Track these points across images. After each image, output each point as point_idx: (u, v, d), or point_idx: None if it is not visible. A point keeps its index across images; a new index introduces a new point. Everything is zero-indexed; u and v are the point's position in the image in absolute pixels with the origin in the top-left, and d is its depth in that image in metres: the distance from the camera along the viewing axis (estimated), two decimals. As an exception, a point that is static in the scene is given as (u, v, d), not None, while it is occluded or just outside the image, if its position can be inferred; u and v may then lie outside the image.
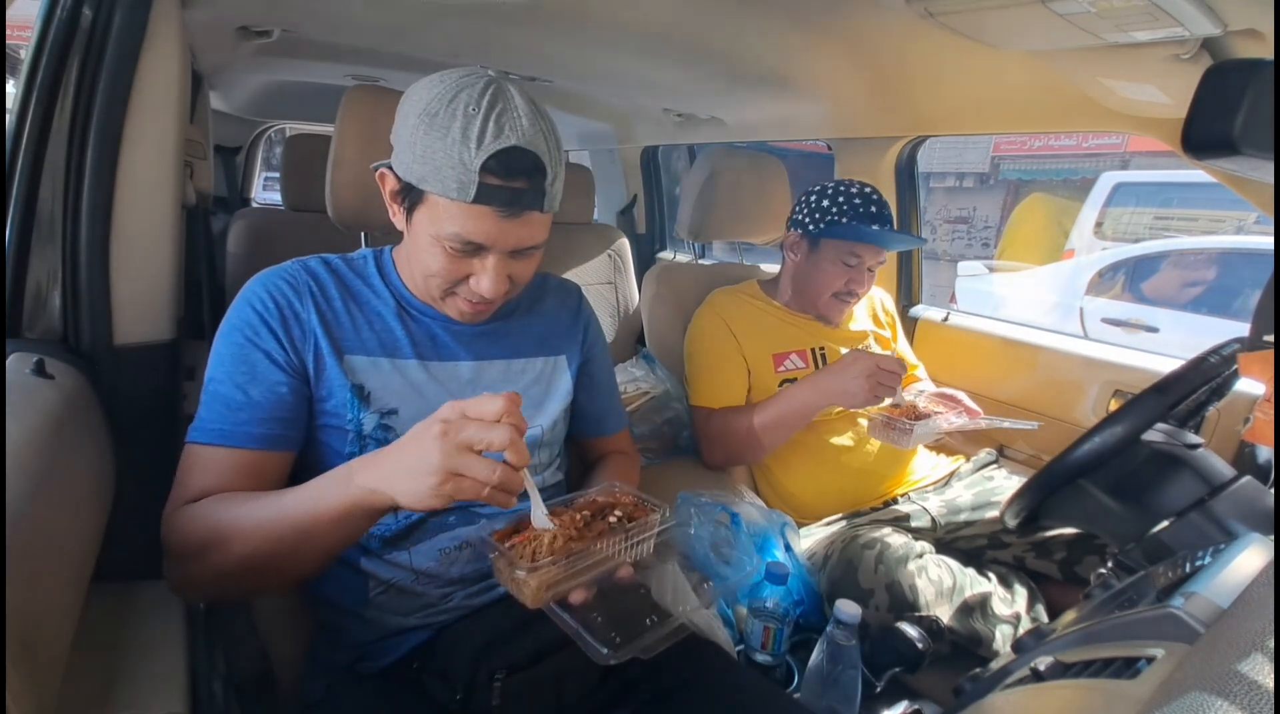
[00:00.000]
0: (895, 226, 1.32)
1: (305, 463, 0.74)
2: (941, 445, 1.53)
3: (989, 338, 1.63)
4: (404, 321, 0.77)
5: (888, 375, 1.13)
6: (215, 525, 0.62)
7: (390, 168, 0.70)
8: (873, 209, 1.27)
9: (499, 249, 0.69)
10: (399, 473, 0.56)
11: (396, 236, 0.78)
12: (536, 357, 0.86)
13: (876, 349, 1.45)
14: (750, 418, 1.26)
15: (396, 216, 0.73)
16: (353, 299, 0.76)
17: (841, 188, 1.30)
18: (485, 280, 0.70)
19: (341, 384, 0.72)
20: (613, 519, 0.69)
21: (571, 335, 0.91)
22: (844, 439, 1.33)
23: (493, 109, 0.63)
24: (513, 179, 0.64)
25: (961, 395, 1.31)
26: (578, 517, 0.68)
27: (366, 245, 0.97)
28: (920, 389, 1.45)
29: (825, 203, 1.30)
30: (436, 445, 0.53)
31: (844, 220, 1.28)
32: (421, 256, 0.71)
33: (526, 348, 0.85)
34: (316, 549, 0.62)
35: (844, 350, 1.39)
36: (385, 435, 0.73)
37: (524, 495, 0.62)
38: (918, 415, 1.21)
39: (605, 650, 0.59)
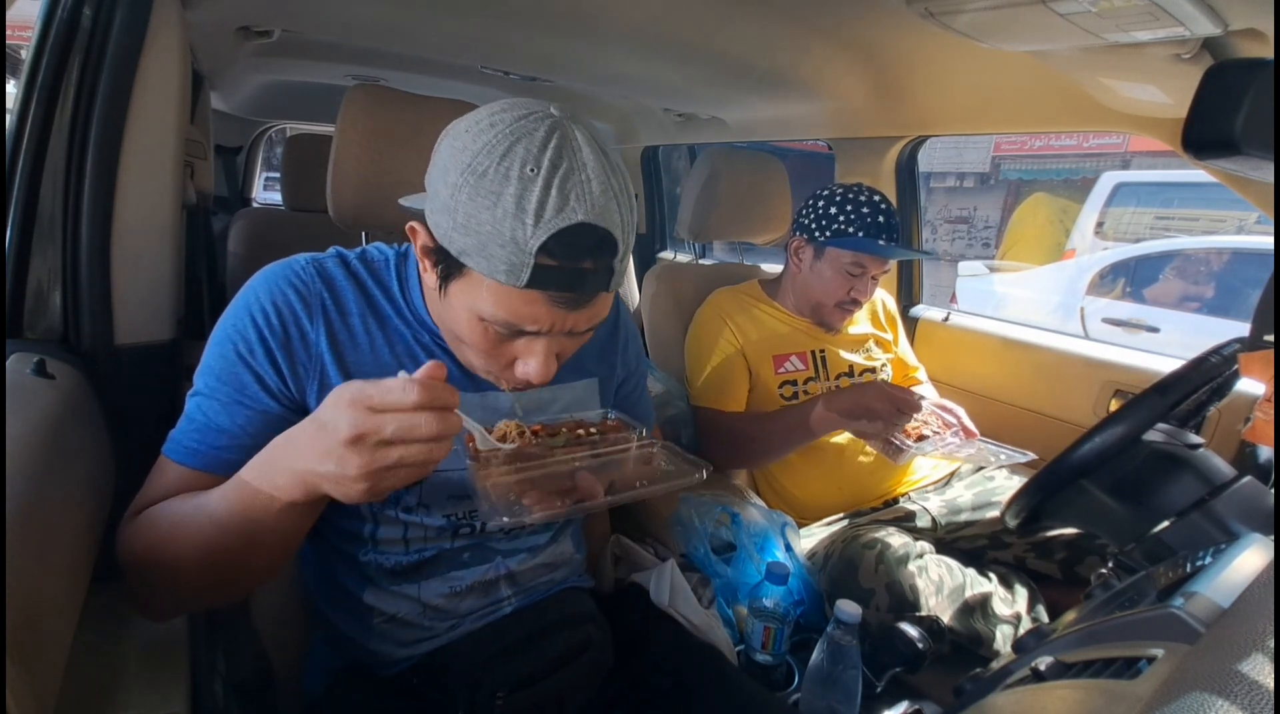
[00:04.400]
0: (900, 233, 1.30)
1: None
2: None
3: (990, 338, 1.63)
4: (425, 346, 0.69)
5: (907, 402, 1.11)
6: (154, 539, 0.57)
7: (423, 221, 0.59)
8: (880, 220, 1.26)
9: (553, 334, 0.59)
10: (321, 478, 0.49)
11: (396, 239, 0.76)
12: (568, 382, 0.78)
13: (877, 352, 1.45)
14: (756, 427, 1.25)
15: (428, 272, 0.62)
16: (372, 313, 0.68)
17: (850, 195, 1.29)
18: (533, 365, 0.60)
19: None
20: (581, 431, 0.67)
21: (606, 356, 0.83)
22: (844, 439, 1.33)
23: (555, 170, 0.51)
24: (577, 261, 0.53)
25: (960, 412, 1.27)
26: (538, 427, 0.67)
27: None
28: (921, 396, 1.45)
29: (833, 210, 1.29)
30: (353, 457, 0.46)
31: (851, 231, 1.26)
32: (460, 332, 0.61)
33: (560, 373, 0.78)
34: (259, 555, 0.56)
35: (843, 353, 1.39)
36: None
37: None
38: (918, 436, 1.19)
39: (505, 518, 0.54)
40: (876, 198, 1.28)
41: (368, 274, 0.69)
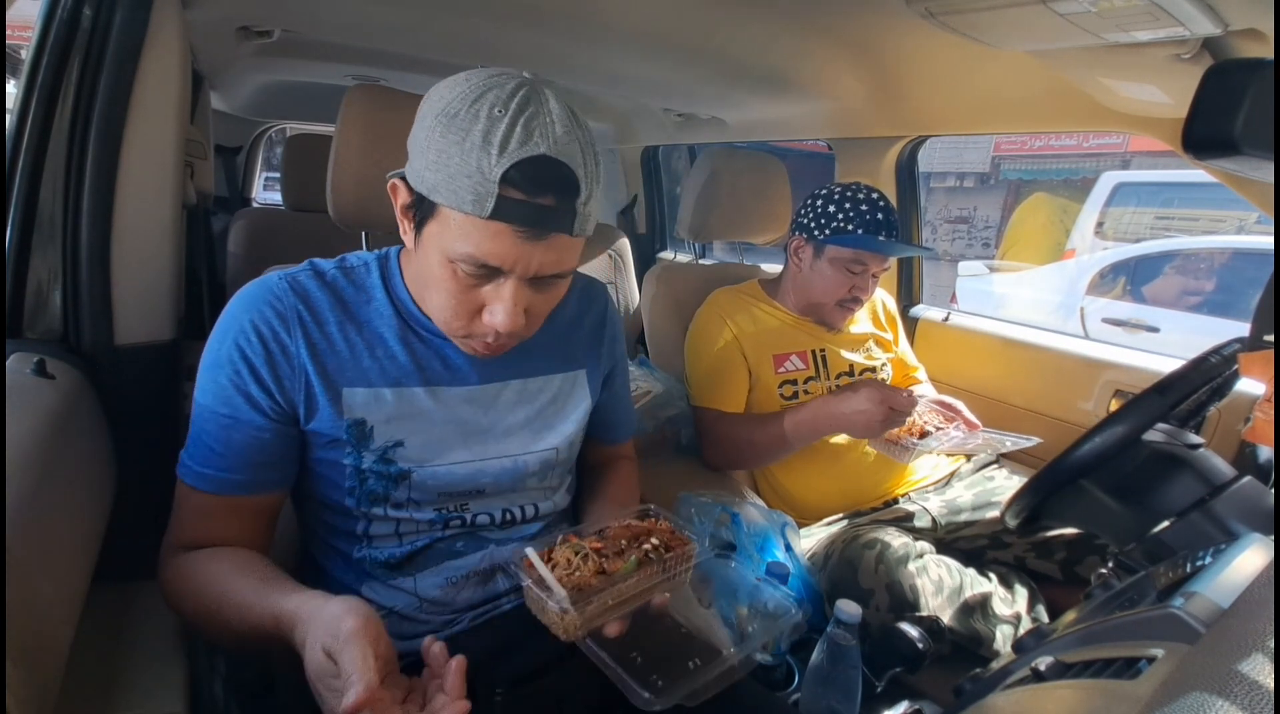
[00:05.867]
0: (900, 231, 1.31)
1: (306, 492, 0.72)
2: (942, 445, 1.53)
3: (990, 338, 1.63)
4: (408, 344, 0.70)
5: (899, 400, 1.11)
6: (194, 602, 0.62)
7: (403, 178, 0.63)
8: (879, 217, 1.26)
9: (517, 274, 0.60)
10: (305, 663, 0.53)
11: (397, 239, 0.76)
12: (554, 373, 0.79)
13: (877, 351, 1.45)
14: (754, 430, 1.25)
15: (406, 233, 0.65)
16: (350, 320, 0.69)
17: (849, 193, 1.29)
18: (499, 311, 0.61)
19: (336, 423, 0.67)
20: (648, 547, 0.67)
21: (593, 346, 0.84)
22: (843, 439, 1.33)
23: (521, 112, 0.55)
24: (539, 194, 0.56)
25: (960, 406, 1.29)
26: (596, 544, 0.67)
27: (366, 246, 0.97)
28: (920, 394, 1.45)
29: (832, 208, 1.29)
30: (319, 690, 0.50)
31: (850, 228, 1.26)
32: (431, 279, 0.63)
33: (543, 365, 0.78)
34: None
35: (844, 352, 1.39)
36: (387, 467, 0.69)
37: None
38: (922, 433, 1.20)
39: (647, 695, 0.56)
40: (875, 195, 1.28)
41: (345, 282, 0.71)
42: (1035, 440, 1.15)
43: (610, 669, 0.59)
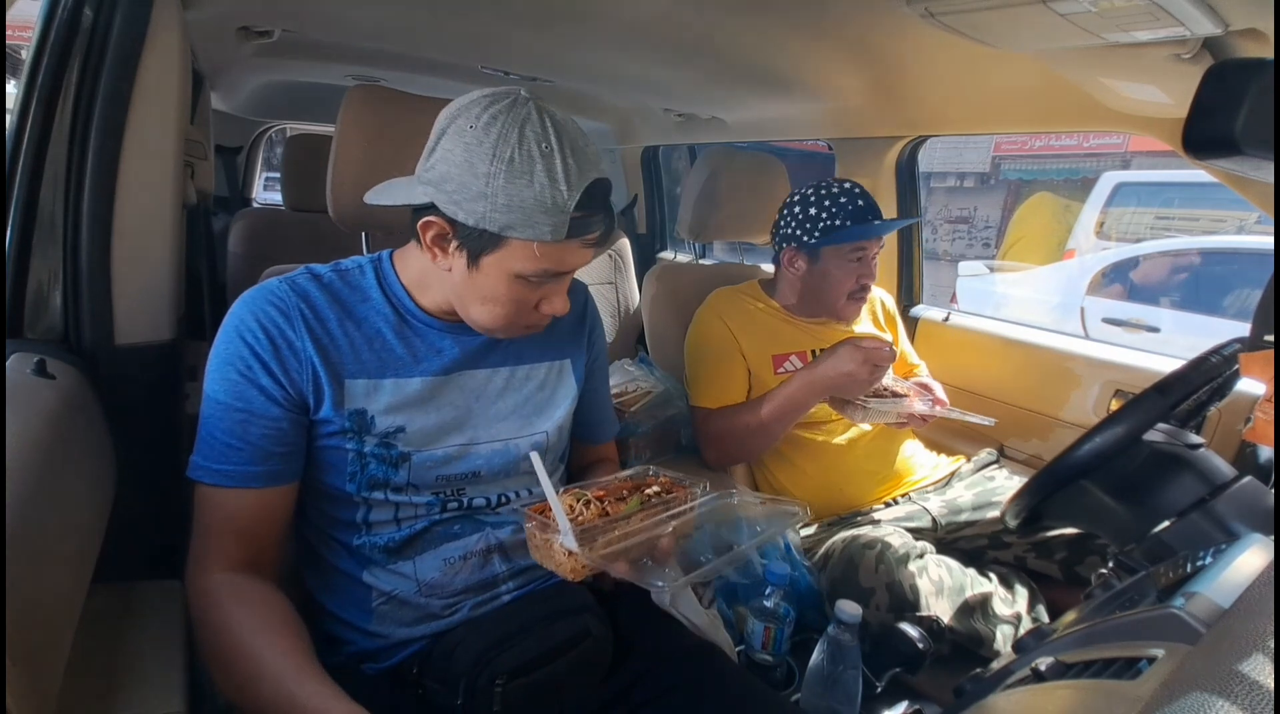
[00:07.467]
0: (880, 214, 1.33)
1: (308, 482, 0.73)
2: (941, 445, 1.53)
3: (990, 338, 1.63)
4: (404, 336, 0.75)
5: (879, 355, 1.15)
6: (217, 649, 0.64)
7: (439, 215, 0.66)
8: (860, 203, 1.28)
9: (575, 269, 0.71)
10: None
11: (396, 238, 0.77)
12: (541, 362, 0.84)
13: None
14: (747, 415, 1.26)
15: (442, 258, 0.69)
16: (348, 317, 0.73)
17: (823, 190, 1.30)
18: (559, 301, 0.72)
19: (340, 411, 0.70)
20: (650, 492, 0.70)
21: (576, 337, 0.89)
22: (843, 439, 1.33)
23: (561, 142, 0.63)
24: (595, 208, 0.66)
25: (936, 386, 1.34)
26: (600, 492, 0.70)
27: (367, 246, 0.97)
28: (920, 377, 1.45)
29: (813, 211, 1.30)
30: None
31: (839, 223, 1.28)
32: (493, 295, 0.70)
33: (531, 354, 0.83)
34: None
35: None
36: (388, 451, 0.72)
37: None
38: (877, 395, 1.24)
39: (660, 584, 0.61)
40: (848, 185, 1.31)
41: (341, 283, 0.75)
42: (989, 420, 1.21)
43: (623, 574, 0.63)
